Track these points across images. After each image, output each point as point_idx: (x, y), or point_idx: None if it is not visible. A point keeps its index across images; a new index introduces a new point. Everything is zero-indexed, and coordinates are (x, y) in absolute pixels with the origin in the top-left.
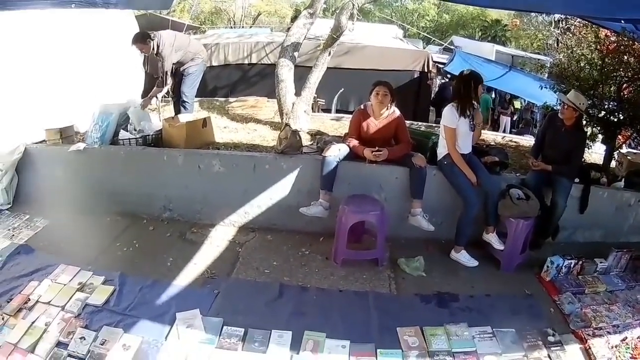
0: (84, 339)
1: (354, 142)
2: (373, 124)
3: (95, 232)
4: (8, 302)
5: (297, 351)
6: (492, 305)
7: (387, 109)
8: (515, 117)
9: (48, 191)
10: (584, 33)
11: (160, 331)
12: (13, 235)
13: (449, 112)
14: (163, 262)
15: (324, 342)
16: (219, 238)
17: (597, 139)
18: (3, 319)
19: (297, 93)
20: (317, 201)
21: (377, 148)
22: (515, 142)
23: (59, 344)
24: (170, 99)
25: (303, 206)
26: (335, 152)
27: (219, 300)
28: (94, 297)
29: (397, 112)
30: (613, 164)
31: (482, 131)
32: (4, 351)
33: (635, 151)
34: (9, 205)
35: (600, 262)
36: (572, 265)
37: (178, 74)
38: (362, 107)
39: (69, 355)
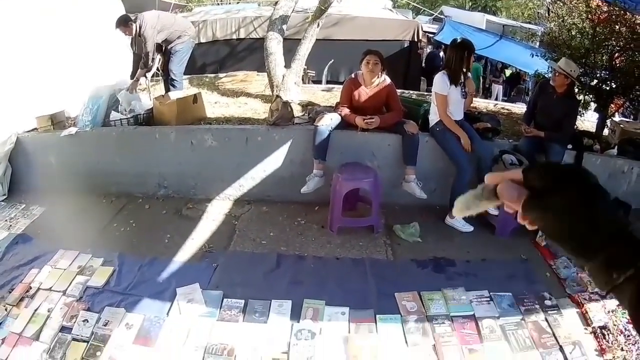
0: (87, 322)
1: (346, 111)
2: (364, 92)
3: (92, 215)
4: (10, 292)
5: (298, 319)
6: (489, 269)
7: (378, 77)
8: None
9: (42, 178)
10: (575, 2)
11: (161, 308)
12: (10, 225)
13: (440, 80)
14: (160, 239)
15: (324, 310)
16: (214, 212)
17: (589, 107)
18: (6, 309)
19: (287, 65)
20: (311, 174)
21: (368, 116)
22: (507, 109)
23: (62, 329)
24: (160, 77)
25: (296, 176)
26: (327, 122)
27: (218, 273)
28: (94, 279)
29: (388, 80)
30: (606, 131)
31: (474, 99)
32: (9, 341)
33: (628, 120)
34: (4, 197)
35: None
36: None
37: (167, 53)
38: (352, 76)
39: (74, 339)
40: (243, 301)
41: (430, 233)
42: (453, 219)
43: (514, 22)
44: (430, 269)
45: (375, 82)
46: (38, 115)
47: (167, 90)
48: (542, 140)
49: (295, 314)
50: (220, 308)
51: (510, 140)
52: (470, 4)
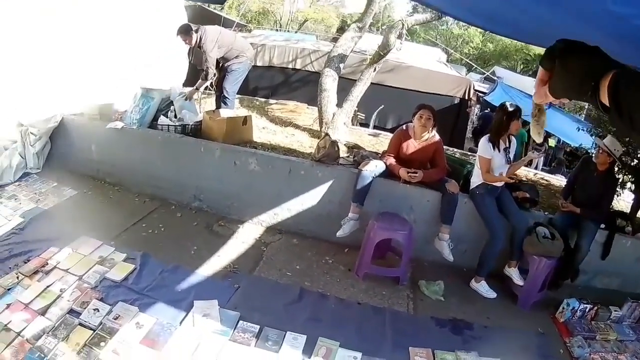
0: (98, 311)
1: (391, 160)
2: (412, 145)
3: (122, 210)
4: (25, 262)
5: (309, 355)
6: (505, 338)
7: (429, 132)
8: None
9: (79, 163)
10: None
11: (175, 315)
12: (39, 199)
13: (484, 143)
14: (187, 249)
15: (337, 351)
16: (245, 235)
17: (626, 187)
18: (18, 277)
19: (339, 104)
20: (346, 217)
21: (413, 170)
22: (546, 180)
23: (71, 311)
24: (212, 92)
25: (333, 215)
26: (372, 168)
27: (238, 294)
28: (113, 272)
29: (437, 137)
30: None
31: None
32: (14, 308)
33: None
34: (38, 171)
35: (615, 311)
36: (587, 310)
37: (223, 70)
38: (404, 127)
39: (80, 324)
40: (258, 327)
41: (454, 294)
42: (478, 283)
43: None
44: (448, 329)
45: (425, 137)
46: (86, 101)
47: (218, 106)
48: (578, 216)
49: (308, 350)
50: (235, 329)
51: (545, 213)
52: (521, 66)
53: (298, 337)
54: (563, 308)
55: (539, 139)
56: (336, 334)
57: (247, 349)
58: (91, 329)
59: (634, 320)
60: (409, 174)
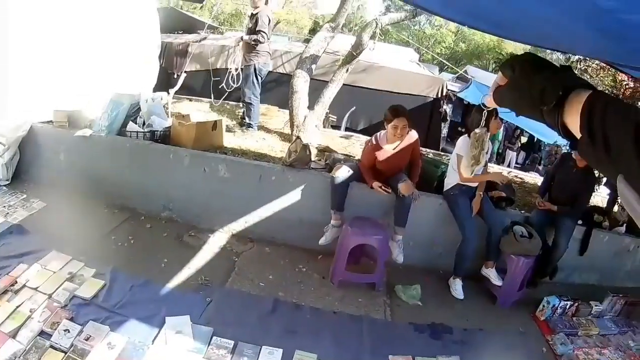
0: (68, 332)
1: (365, 170)
2: (388, 151)
3: (92, 222)
4: None
5: None
6: (485, 340)
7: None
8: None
9: (48, 173)
10: (602, 76)
11: (147, 333)
12: (7, 213)
13: (464, 142)
14: (157, 262)
15: None
16: (216, 244)
17: (602, 182)
18: None
19: (310, 106)
20: (328, 225)
21: (384, 186)
22: (520, 178)
23: (41, 333)
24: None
25: (305, 221)
26: (345, 173)
27: (211, 308)
28: (83, 290)
29: (414, 136)
30: (616, 208)
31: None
32: None
33: None
34: (7, 182)
35: (596, 305)
36: (567, 307)
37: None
38: (373, 141)
39: (52, 346)
40: (233, 342)
41: (431, 297)
42: (454, 280)
43: None
44: (427, 334)
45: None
46: (55, 108)
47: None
48: (555, 214)
49: None
50: (209, 345)
51: (522, 212)
52: (494, 65)
53: (274, 351)
54: (543, 306)
55: (467, 173)
56: (313, 346)
57: None
58: (63, 351)
59: (615, 314)
60: (382, 188)
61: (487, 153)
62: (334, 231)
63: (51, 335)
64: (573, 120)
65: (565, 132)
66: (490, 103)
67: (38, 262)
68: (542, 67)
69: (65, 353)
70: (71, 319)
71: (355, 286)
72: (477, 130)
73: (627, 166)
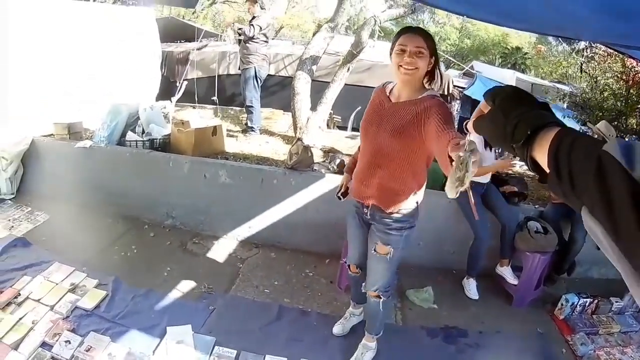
0: (69, 343)
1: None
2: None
3: (95, 233)
4: None
5: None
6: (502, 343)
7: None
8: None
9: (52, 185)
10: (609, 63)
11: (148, 344)
12: (12, 226)
13: (476, 140)
14: (160, 271)
15: None
16: (220, 251)
17: None
18: None
19: (313, 108)
20: (346, 314)
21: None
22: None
23: (43, 344)
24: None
25: (310, 224)
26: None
27: (214, 317)
28: (85, 301)
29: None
30: None
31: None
32: None
33: None
34: (12, 196)
35: (616, 302)
36: (587, 304)
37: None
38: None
39: (52, 358)
40: (235, 352)
41: (445, 299)
42: (468, 280)
43: (543, 81)
44: (440, 338)
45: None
46: (56, 120)
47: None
48: (570, 207)
49: None
50: (210, 355)
51: (536, 206)
52: (500, 60)
53: None
54: (562, 304)
55: (451, 194)
56: (319, 354)
57: None
58: None
59: (637, 310)
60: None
61: (497, 152)
62: (352, 320)
63: (52, 347)
64: (542, 157)
65: (535, 167)
66: (472, 129)
67: (41, 274)
68: (521, 103)
69: None
70: (72, 330)
71: None
72: (460, 154)
73: (590, 200)
